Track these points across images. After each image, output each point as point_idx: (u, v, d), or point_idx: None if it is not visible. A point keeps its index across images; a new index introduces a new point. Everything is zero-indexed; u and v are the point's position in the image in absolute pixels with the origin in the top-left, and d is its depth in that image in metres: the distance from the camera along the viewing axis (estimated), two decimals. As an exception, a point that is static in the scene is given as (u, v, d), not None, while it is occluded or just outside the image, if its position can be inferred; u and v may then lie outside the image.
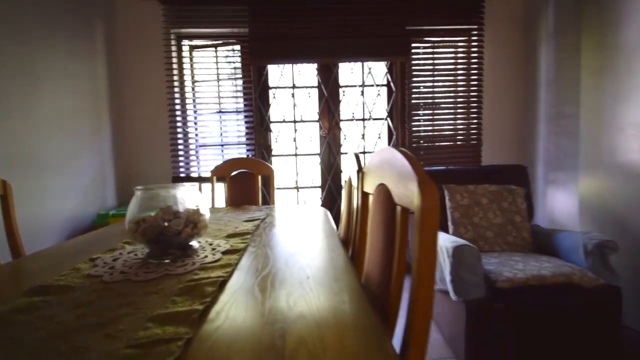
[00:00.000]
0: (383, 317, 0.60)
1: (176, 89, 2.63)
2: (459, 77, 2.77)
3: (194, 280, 0.67)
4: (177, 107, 2.63)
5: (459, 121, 2.79)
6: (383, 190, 0.68)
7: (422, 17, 2.62)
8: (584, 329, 1.48)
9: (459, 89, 2.77)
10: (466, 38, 2.72)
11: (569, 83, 2.23)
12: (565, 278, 1.42)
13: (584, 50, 2.10)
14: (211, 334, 0.46)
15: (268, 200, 2.08)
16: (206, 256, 0.84)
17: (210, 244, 0.94)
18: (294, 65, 2.63)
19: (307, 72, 2.70)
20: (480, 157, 2.71)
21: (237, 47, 2.55)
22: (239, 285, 0.65)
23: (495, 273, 1.48)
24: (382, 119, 2.80)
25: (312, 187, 2.77)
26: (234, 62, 2.59)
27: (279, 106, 2.66)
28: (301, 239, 1.01)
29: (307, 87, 2.68)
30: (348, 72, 2.74)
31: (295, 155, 2.71)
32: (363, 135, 2.77)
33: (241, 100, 2.54)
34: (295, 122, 2.69)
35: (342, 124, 2.74)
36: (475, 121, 2.72)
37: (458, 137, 2.80)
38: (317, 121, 2.71)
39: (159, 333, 0.46)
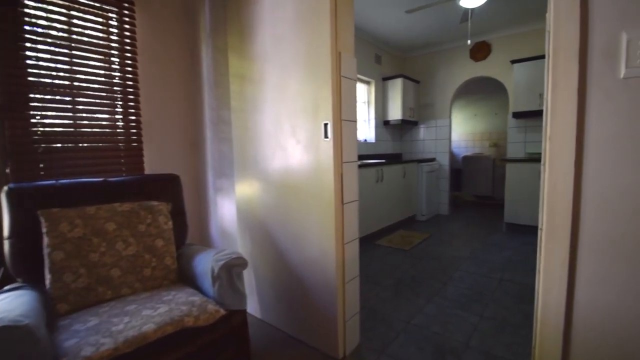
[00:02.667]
0: None
1: None
2: (114, 61, 2.13)
3: None
4: None
5: (117, 116, 2.15)
6: None
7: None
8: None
9: (113, 73, 2.13)
10: (117, 9, 2.11)
11: (223, 87, 2.14)
12: (174, 326, 1.11)
13: (230, 56, 2.03)
14: None
15: None
16: None
17: None
18: None
19: None
20: (142, 163, 2.20)
21: None
22: None
23: (72, 353, 0.95)
24: (-41, 100, 1.65)
25: None
26: None
27: None
28: None
29: None
30: None
31: None
32: None
33: None
34: None
35: None
36: (134, 118, 2.18)
37: (119, 138, 2.16)
38: None
39: None
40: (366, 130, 4.79)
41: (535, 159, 3.78)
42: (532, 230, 3.82)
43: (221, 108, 2.18)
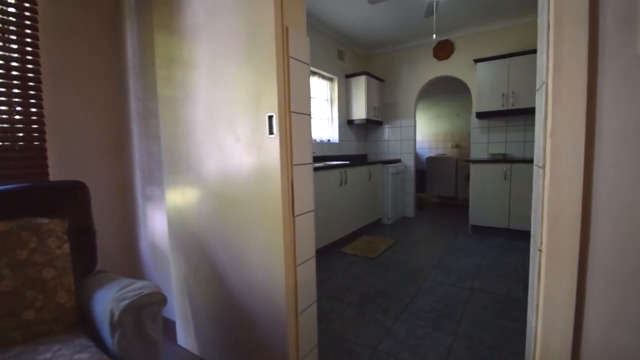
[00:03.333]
0: None
1: None
2: (10, 38, 1.68)
3: None
4: None
5: (15, 108, 1.70)
6: None
7: None
8: None
9: (8, 54, 1.67)
10: (9, -27, 1.66)
11: (150, 72, 1.76)
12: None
13: (156, 33, 1.66)
14: None
15: None
16: None
17: None
18: None
19: None
20: (46, 167, 1.76)
21: None
22: None
23: None
24: None
25: None
26: None
27: None
28: None
29: None
30: None
31: None
32: None
33: None
34: None
35: None
36: (36, 110, 1.73)
37: (16, 135, 1.71)
38: None
39: None
40: (329, 129, 4.54)
41: (498, 159, 3.74)
42: (497, 232, 3.77)
43: (148, 98, 1.80)
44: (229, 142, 1.35)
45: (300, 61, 1.26)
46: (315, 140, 4.16)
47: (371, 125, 5.08)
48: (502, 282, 2.49)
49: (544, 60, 0.75)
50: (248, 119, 1.27)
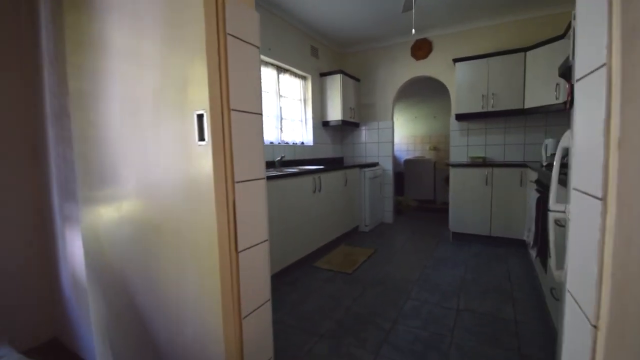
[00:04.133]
0: None
1: None
2: None
3: None
4: None
5: None
6: None
7: None
8: None
9: None
10: None
11: (63, 62, 1.38)
12: None
13: (66, 8, 1.28)
14: None
15: None
16: None
17: None
18: None
19: None
20: None
21: None
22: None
23: None
24: None
25: None
26: None
27: None
28: None
29: None
30: None
31: None
32: None
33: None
34: None
35: None
36: None
37: None
38: None
39: None
40: (303, 131, 4.23)
41: (479, 163, 3.56)
42: (478, 239, 3.60)
43: (63, 93, 1.41)
44: (150, 150, 1.01)
45: (244, 41, 0.94)
46: (287, 143, 3.84)
47: (347, 127, 4.81)
48: (489, 298, 2.27)
49: (604, 29, 0.47)
50: (172, 118, 0.93)
